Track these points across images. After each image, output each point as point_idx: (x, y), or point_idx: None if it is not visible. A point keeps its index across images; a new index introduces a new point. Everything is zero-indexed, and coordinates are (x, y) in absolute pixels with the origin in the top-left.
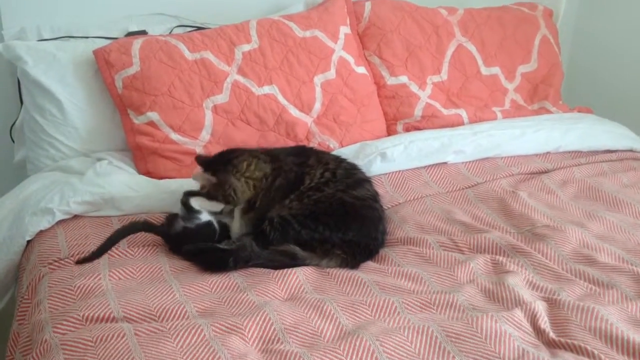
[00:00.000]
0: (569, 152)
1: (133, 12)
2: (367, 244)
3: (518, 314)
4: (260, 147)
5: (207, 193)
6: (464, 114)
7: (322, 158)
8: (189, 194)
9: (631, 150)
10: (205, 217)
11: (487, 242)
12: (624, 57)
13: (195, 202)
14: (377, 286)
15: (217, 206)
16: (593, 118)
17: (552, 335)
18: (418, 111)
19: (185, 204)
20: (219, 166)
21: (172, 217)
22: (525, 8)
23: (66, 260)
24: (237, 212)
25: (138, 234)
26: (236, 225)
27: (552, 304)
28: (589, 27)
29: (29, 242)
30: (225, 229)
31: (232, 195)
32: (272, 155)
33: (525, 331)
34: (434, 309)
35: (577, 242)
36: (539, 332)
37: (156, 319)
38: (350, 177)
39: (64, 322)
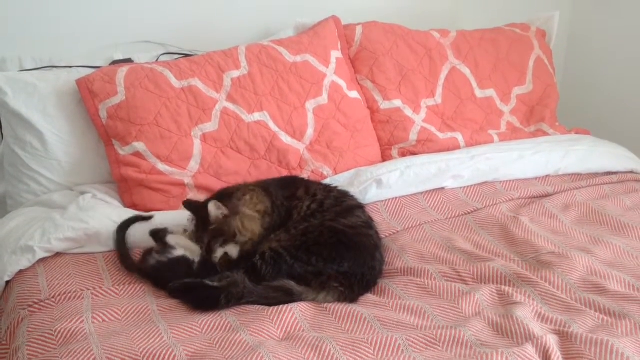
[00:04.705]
0: (569, 174)
1: (118, 40)
2: (364, 274)
3: (529, 349)
4: (251, 182)
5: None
6: (460, 137)
7: (310, 189)
8: (164, 231)
9: (632, 172)
10: (178, 252)
11: (491, 271)
12: (617, 78)
13: (172, 240)
14: (379, 322)
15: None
16: (591, 139)
17: None
18: (413, 135)
19: (161, 239)
20: (222, 201)
21: (147, 252)
22: (518, 29)
23: (47, 302)
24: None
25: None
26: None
27: (564, 337)
28: (581, 47)
29: (8, 282)
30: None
31: (240, 229)
32: (265, 189)
33: None
34: (440, 346)
35: (584, 270)
36: None
37: None
38: (339, 205)
39: None
